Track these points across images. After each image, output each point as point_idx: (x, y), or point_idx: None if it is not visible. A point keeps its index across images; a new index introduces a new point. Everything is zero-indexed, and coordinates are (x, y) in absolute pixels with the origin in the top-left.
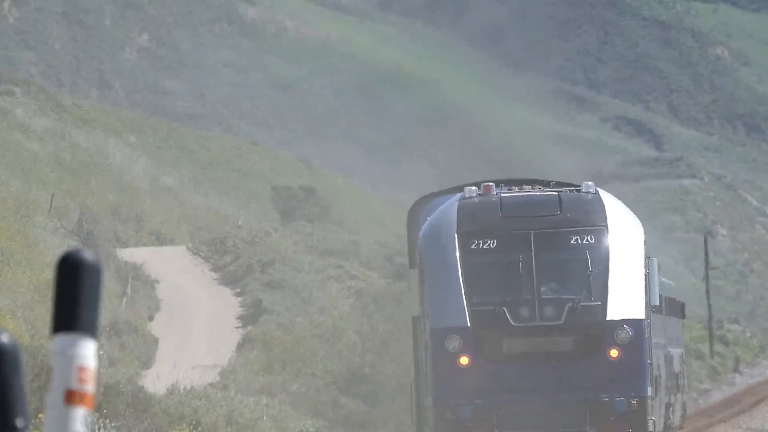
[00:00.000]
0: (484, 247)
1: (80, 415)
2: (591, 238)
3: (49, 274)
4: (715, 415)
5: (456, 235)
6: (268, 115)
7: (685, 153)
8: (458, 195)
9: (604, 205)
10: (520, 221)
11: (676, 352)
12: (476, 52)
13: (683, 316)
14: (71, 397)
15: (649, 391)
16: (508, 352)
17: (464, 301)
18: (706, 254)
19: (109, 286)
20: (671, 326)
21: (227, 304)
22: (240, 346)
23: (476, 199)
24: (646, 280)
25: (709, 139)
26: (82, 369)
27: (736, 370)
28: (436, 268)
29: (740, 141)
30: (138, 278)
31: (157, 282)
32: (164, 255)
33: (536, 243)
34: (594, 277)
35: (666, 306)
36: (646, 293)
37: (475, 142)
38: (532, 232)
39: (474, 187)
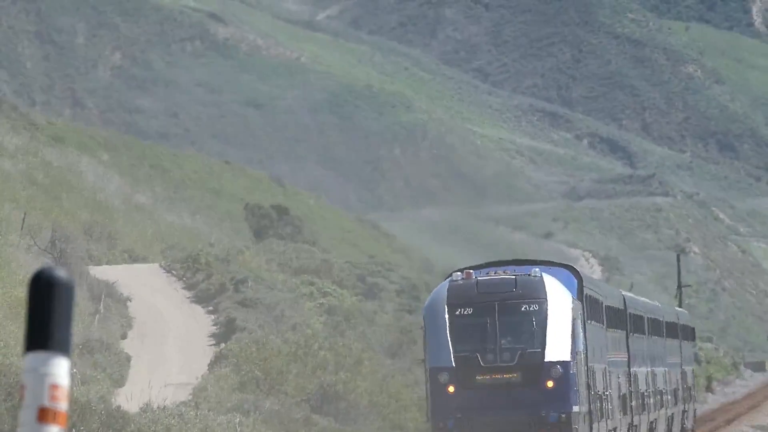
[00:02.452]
0: (464, 313)
1: None
2: (535, 306)
3: (21, 292)
4: None
5: (446, 306)
6: (241, 134)
7: (657, 171)
8: (449, 278)
9: (544, 284)
10: (488, 296)
11: (674, 370)
12: (449, 70)
13: (694, 339)
14: (44, 415)
15: (575, 408)
16: (479, 383)
17: (450, 349)
18: (679, 272)
19: (81, 304)
20: (663, 347)
21: (200, 322)
22: (213, 364)
23: (461, 282)
24: (572, 334)
25: (681, 156)
26: (54, 387)
27: (708, 389)
28: (433, 327)
29: (713, 159)
30: (111, 296)
31: (130, 300)
32: (137, 273)
33: (499, 310)
34: (536, 333)
35: (668, 329)
36: (572, 342)
37: (448, 160)
38: (496, 303)
39: (459, 273)
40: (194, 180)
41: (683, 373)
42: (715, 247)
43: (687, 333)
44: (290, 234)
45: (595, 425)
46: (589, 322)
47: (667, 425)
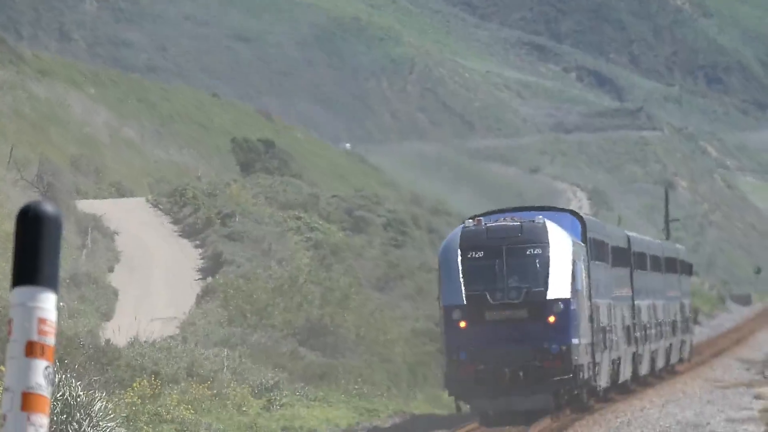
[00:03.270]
0: (475, 256)
1: (41, 367)
2: (538, 250)
3: (9, 227)
4: (675, 366)
5: (459, 249)
6: (229, 68)
7: (645, 104)
8: (462, 225)
9: (547, 230)
10: (497, 240)
11: (673, 303)
12: (437, 3)
13: (691, 273)
14: (32, 350)
15: (575, 341)
16: (489, 319)
17: (462, 289)
18: (666, 206)
19: (68, 238)
20: (664, 281)
21: (187, 256)
22: (200, 298)
23: (472, 228)
24: (572, 274)
25: (669, 90)
26: (42, 321)
27: (695, 321)
28: (447, 269)
29: (701, 92)
30: (98, 230)
31: (117, 234)
32: (124, 207)
33: (506, 253)
34: (540, 273)
35: (668, 264)
36: (572, 281)
37: (436, 94)
38: (504, 246)
39: (471, 220)
40: (182, 114)
41: (681, 306)
42: (702, 180)
43: (685, 268)
44: (277, 168)
45: (598, 355)
46: (593, 262)
47: (666, 355)
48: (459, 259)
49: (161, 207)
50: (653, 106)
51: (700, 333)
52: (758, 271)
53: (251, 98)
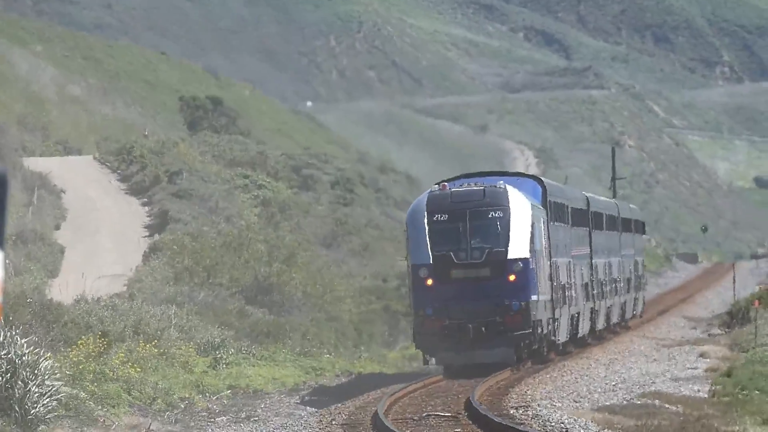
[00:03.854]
0: (441, 219)
1: None
2: (500, 213)
3: None
4: (629, 322)
5: (425, 213)
6: (176, 26)
7: (593, 63)
8: (428, 190)
9: (507, 194)
10: (461, 204)
11: (628, 261)
12: None
13: (644, 232)
14: None
15: (533, 297)
16: (453, 277)
17: (429, 249)
18: (613, 164)
19: (15, 195)
20: (619, 240)
21: (134, 214)
22: (147, 256)
23: (438, 192)
24: (531, 235)
25: (617, 49)
26: None
27: None
28: (414, 230)
29: (648, 51)
30: (44, 188)
31: (64, 192)
32: (71, 165)
33: (470, 216)
34: (501, 235)
35: (623, 224)
36: (531, 243)
37: (384, 52)
38: (468, 210)
39: (437, 186)
40: (128, 71)
41: (635, 263)
42: (649, 139)
43: (638, 227)
44: (225, 126)
45: (558, 310)
46: (553, 223)
47: (622, 310)
48: (426, 221)
49: (108, 165)
50: (601, 66)
51: (647, 291)
52: (705, 229)
53: (198, 56)
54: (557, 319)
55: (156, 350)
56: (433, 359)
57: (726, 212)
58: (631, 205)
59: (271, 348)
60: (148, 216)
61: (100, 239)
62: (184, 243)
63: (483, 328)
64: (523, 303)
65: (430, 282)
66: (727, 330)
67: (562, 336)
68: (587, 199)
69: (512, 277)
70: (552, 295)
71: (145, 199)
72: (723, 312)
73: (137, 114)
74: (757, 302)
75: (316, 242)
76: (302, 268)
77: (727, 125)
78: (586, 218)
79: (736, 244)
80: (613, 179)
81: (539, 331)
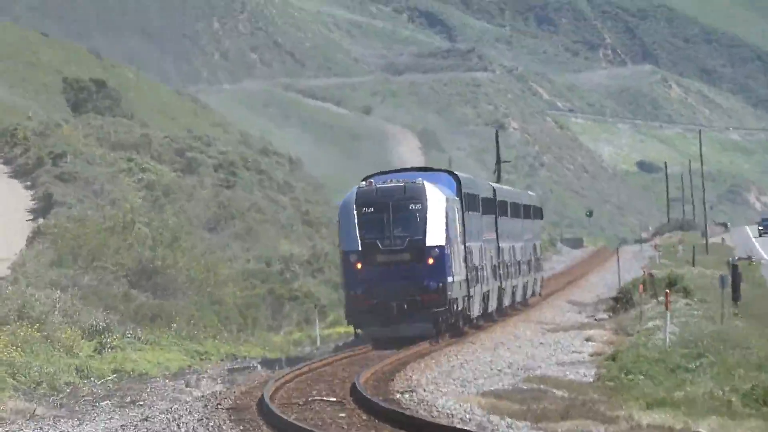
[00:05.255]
0: (368, 211)
1: None
2: (418, 206)
3: None
4: (506, 310)
5: (354, 205)
6: (57, 5)
7: (476, 45)
8: (357, 186)
9: (425, 189)
10: (384, 198)
11: (529, 244)
12: None
13: (542, 217)
14: None
15: (449, 279)
16: (379, 261)
17: (358, 237)
18: (498, 147)
19: None
20: (521, 226)
21: (18, 197)
22: (31, 240)
23: (365, 188)
24: (446, 225)
25: (500, 31)
26: None
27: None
28: (345, 221)
29: (531, 33)
30: None
31: None
32: None
33: (392, 209)
34: (419, 225)
35: (524, 210)
36: (446, 231)
37: (267, 32)
38: (390, 203)
39: (364, 182)
40: (10, 53)
41: (534, 247)
42: (533, 122)
43: (537, 213)
44: (108, 107)
45: (472, 289)
46: (467, 213)
47: (524, 290)
48: (354, 213)
49: None
50: (484, 47)
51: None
52: (590, 213)
53: (81, 37)
54: (471, 296)
55: (40, 334)
56: (362, 332)
57: (611, 196)
58: (530, 192)
59: (156, 332)
60: (32, 199)
61: None
62: (68, 227)
63: (405, 306)
64: (440, 284)
65: (359, 266)
66: (611, 315)
67: (475, 311)
68: (494, 188)
69: (430, 261)
70: (467, 276)
71: (29, 182)
72: (608, 297)
73: (19, 96)
74: (641, 287)
75: (200, 226)
76: (186, 251)
77: (611, 108)
78: (494, 206)
79: (621, 229)
80: (498, 162)
81: (455, 307)
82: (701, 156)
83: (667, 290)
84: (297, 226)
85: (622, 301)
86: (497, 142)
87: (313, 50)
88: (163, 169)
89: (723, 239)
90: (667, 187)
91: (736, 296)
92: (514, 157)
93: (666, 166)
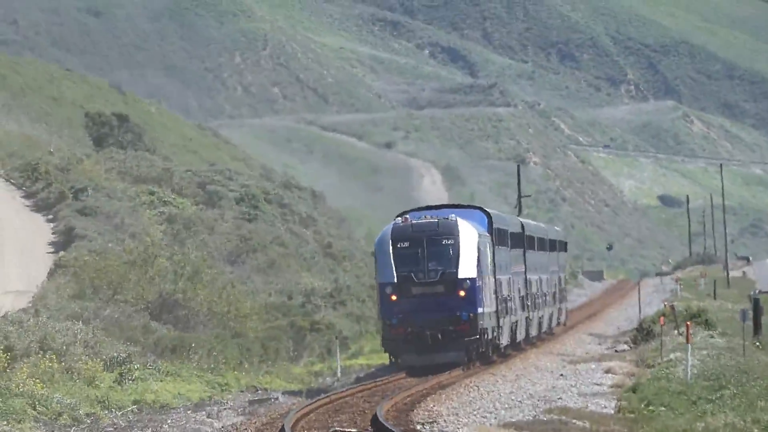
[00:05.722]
0: (403, 245)
1: None
2: (451, 241)
3: None
4: (532, 340)
5: (390, 240)
6: (81, 41)
7: (498, 80)
8: (394, 221)
9: (458, 225)
10: (419, 233)
11: (554, 276)
12: None
13: (566, 250)
14: None
15: (480, 310)
16: (414, 293)
17: (394, 270)
18: (519, 182)
19: None
20: (547, 259)
21: (40, 230)
22: (52, 272)
23: (401, 223)
24: (477, 258)
25: (522, 66)
26: None
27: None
28: (381, 254)
29: (553, 69)
30: None
31: None
32: None
33: (427, 243)
34: (451, 258)
35: (550, 244)
36: (477, 264)
37: (289, 69)
38: (425, 238)
39: (400, 218)
40: (33, 87)
41: (559, 279)
42: (555, 156)
43: (562, 246)
44: (131, 142)
45: (502, 319)
46: (497, 247)
47: (549, 320)
48: (390, 247)
49: (13, 181)
50: (506, 83)
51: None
52: (610, 247)
53: (103, 72)
54: (501, 327)
55: (61, 365)
56: (398, 360)
57: (631, 230)
58: (555, 227)
59: (177, 364)
60: (53, 233)
61: (5, 256)
62: (89, 260)
63: (439, 335)
64: (471, 314)
65: (394, 297)
66: (632, 346)
67: (504, 341)
68: (522, 224)
69: (462, 293)
70: (497, 307)
71: (51, 216)
72: (629, 329)
73: (43, 130)
74: (662, 319)
75: (221, 259)
76: (207, 284)
77: (632, 143)
78: (522, 241)
79: (641, 262)
80: (519, 197)
81: (485, 337)
82: (723, 190)
83: (688, 322)
84: (319, 259)
85: (642, 333)
86: (519, 176)
87: (336, 86)
88: (184, 203)
89: (744, 273)
90: (688, 220)
91: (757, 329)
92: (535, 191)
93: (688, 200)
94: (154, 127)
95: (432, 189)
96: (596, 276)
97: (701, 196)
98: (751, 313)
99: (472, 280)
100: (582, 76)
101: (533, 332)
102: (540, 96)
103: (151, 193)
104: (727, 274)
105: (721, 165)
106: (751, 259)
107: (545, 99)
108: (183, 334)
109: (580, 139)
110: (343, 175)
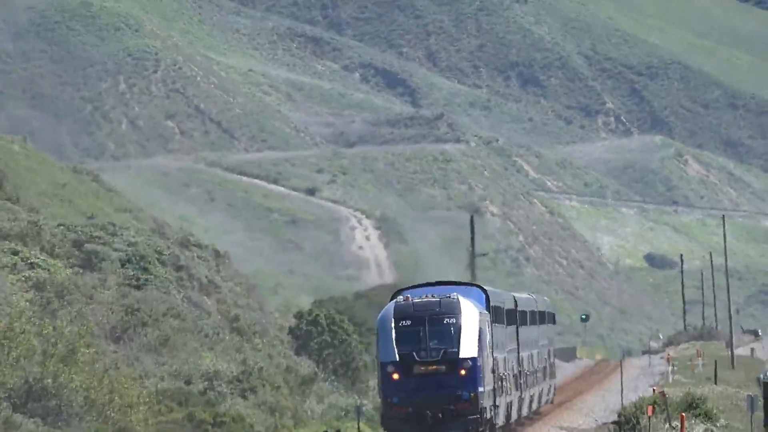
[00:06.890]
0: (405, 324)
1: None
2: (453, 320)
3: None
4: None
5: (392, 319)
6: None
7: (446, 110)
8: (394, 300)
9: (459, 304)
10: (421, 312)
11: (544, 350)
12: None
13: (554, 322)
14: None
15: (480, 389)
16: (415, 372)
17: (395, 349)
18: (473, 237)
19: None
20: (537, 333)
21: None
22: None
23: (402, 302)
24: (478, 337)
25: (475, 93)
26: None
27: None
28: (383, 333)
29: (514, 96)
30: None
31: None
32: None
33: (428, 322)
34: (454, 338)
35: (540, 317)
36: (478, 343)
37: (186, 96)
38: (426, 317)
39: (401, 297)
40: None
41: (548, 353)
42: (517, 205)
43: (550, 317)
44: None
45: (498, 399)
46: (494, 324)
47: (539, 398)
48: (392, 326)
49: None
50: (456, 113)
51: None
52: (585, 318)
53: None
54: (498, 405)
55: None
56: None
57: (611, 298)
58: (544, 298)
59: None
60: None
61: None
62: None
63: (440, 414)
64: (472, 393)
65: (396, 376)
66: None
67: (500, 420)
68: (515, 299)
69: (463, 372)
70: (494, 385)
71: None
72: (609, 421)
73: None
74: (650, 409)
75: (102, 335)
76: (84, 367)
77: (612, 189)
78: (515, 317)
79: (624, 337)
80: (472, 256)
81: (485, 415)
82: (725, 248)
83: (683, 413)
84: (224, 335)
85: (626, 426)
86: (472, 230)
87: (244, 117)
88: (56, 265)
89: (752, 350)
90: (682, 285)
91: None
92: (493, 249)
93: (682, 260)
94: (17, 171)
95: (366, 246)
96: (568, 355)
97: (698, 256)
98: (761, 401)
99: (474, 359)
100: (549, 105)
101: (524, 411)
102: (497, 130)
103: (14, 253)
104: (732, 352)
105: (723, 216)
106: (760, 333)
107: (504, 134)
108: (53, 430)
109: (548, 183)
110: (254, 229)
